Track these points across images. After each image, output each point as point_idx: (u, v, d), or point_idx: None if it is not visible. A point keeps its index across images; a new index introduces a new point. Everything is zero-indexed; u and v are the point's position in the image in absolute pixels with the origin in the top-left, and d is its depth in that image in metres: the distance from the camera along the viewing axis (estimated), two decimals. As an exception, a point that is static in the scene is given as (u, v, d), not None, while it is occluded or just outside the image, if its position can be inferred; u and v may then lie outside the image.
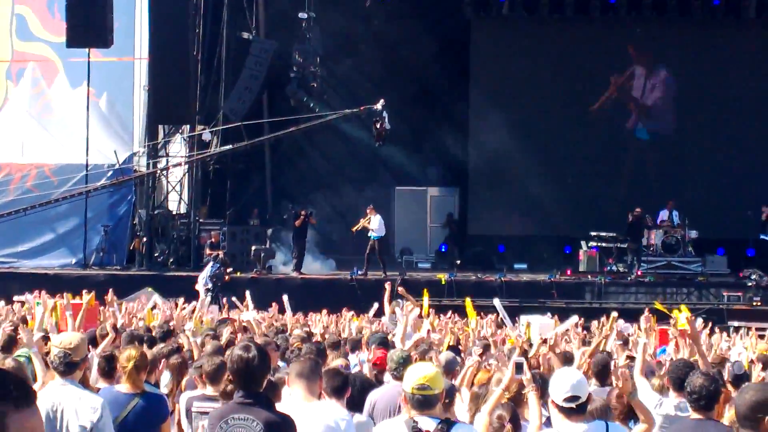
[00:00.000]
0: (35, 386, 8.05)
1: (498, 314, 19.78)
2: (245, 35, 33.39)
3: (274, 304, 20.67)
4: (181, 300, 19.84)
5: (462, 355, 11.67)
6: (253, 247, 32.06)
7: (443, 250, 36.09)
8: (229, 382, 7.26)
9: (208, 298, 23.49)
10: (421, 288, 25.84)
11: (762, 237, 33.36)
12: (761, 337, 22.47)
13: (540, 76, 36.70)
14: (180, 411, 9.34)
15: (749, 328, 25.03)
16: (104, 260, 31.88)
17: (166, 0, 31.92)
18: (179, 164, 33.78)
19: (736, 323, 28.13)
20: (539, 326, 16.42)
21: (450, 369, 9.79)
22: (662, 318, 20.21)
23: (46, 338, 9.92)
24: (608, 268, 32.83)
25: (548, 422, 7.51)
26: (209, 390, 8.90)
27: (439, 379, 6.66)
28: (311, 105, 32.96)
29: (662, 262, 32.51)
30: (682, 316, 10.64)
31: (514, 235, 35.59)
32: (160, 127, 33.53)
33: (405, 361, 9.11)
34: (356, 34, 34.92)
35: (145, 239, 32.03)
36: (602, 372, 10.44)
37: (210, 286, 28.26)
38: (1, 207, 31.83)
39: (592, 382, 10.07)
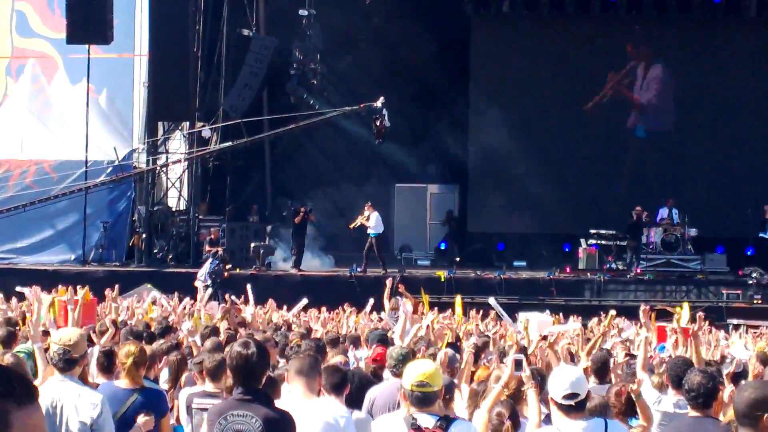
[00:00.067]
0: (36, 382, 8.06)
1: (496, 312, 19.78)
2: (245, 32, 33.39)
3: (271, 299, 20.70)
4: (175, 295, 19.86)
5: (461, 352, 11.66)
6: (253, 244, 32.05)
7: (443, 247, 36.09)
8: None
9: (207, 294, 23.45)
10: (420, 285, 25.90)
11: (761, 235, 33.36)
12: (759, 335, 22.52)
13: (540, 74, 36.68)
14: (179, 407, 9.35)
15: (748, 327, 25.11)
16: (103, 256, 31.87)
17: (166, -4, 31.97)
18: (179, 161, 33.77)
19: (735, 321, 28.18)
20: (537, 323, 16.44)
21: (449, 366, 9.78)
22: (661, 315, 20.19)
23: (46, 333, 9.91)
24: (607, 265, 32.83)
25: (547, 419, 7.52)
26: (209, 386, 8.90)
27: (439, 376, 6.67)
28: (311, 102, 32.96)
29: (661, 259, 32.52)
30: (684, 313, 10.64)
31: (514, 232, 35.59)
32: (160, 123, 33.55)
33: (404, 358, 9.12)
34: (356, 31, 34.94)
35: (144, 236, 32.03)
36: (601, 369, 10.45)
37: (209, 282, 28.24)
38: (1, 203, 31.81)
39: (591, 379, 10.08)
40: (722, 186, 35.64)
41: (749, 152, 36.09)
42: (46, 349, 7.90)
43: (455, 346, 12.21)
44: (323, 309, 21.62)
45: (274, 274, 30.98)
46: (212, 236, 32.04)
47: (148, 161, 33.20)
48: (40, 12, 35.78)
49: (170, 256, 31.96)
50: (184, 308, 17.87)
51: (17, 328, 11.92)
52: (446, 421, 6.49)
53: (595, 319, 22.21)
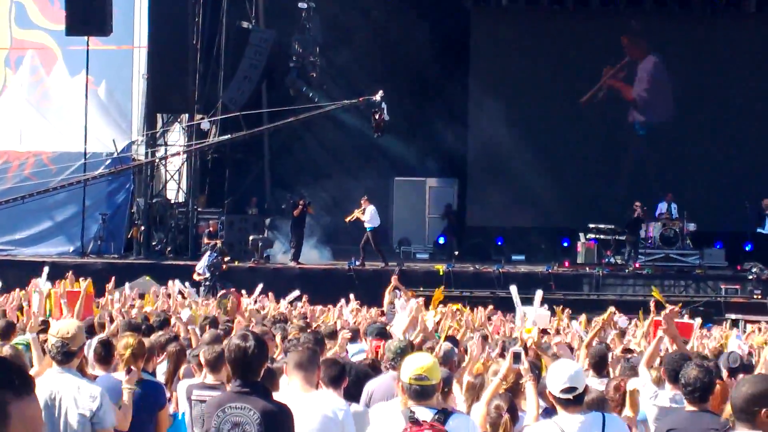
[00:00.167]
0: (32, 372, 8.06)
1: (488, 307, 19.83)
2: (245, 25, 33.36)
3: (270, 293, 20.72)
4: (170, 283, 19.88)
5: (459, 345, 11.67)
6: (251, 237, 32.04)
7: (441, 241, 36.07)
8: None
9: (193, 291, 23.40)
10: (420, 278, 25.95)
11: (759, 230, 33.38)
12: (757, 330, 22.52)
13: (540, 68, 36.66)
14: (177, 399, 9.35)
15: (747, 322, 25.12)
16: (102, 248, 31.85)
17: (165, -11, 31.94)
18: (178, 153, 33.77)
19: (733, 316, 28.19)
20: (534, 317, 16.47)
21: (447, 359, 9.79)
22: (660, 308, 20.19)
23: (45, 322, 9.92)
24: (606, 260, 32.84)
25: (546, 412, 7.53)
26: (209, 378, 8.91)
27: (437, 369, 6.68)
28: (310, 95, 32.95)
29: (660, 254, 32.53)
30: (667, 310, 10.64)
31: (513, 226, 35.58)
32: (159, 115, 33.53)
33: (402, 352, 9.12)
34: (356, 24, 34.90)
35: (143, 228, 32.03)
36: (599, 363, 10.45)
37: (208, 275, 28.29)
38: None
39: (590, 373, 10.09)
40: (721, 181, 35.64)
41: (748, 147, 36.09)
42: (45, 341, 7.90)
43: (453, 339, 12.20)
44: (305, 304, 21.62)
45: (273, 267, 30.98)
46: (211, 229, 32.04)
47: (147, 153, 33.19)
48: (40, 3, 35.74)
49: (169, 249, 31.96)
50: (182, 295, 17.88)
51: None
52: (444, 414, 6.50)
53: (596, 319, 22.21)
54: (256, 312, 15.93)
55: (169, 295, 18.13)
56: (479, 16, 37.38)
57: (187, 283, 21.86)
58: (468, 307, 21.79)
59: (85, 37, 31.64)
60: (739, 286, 30.98)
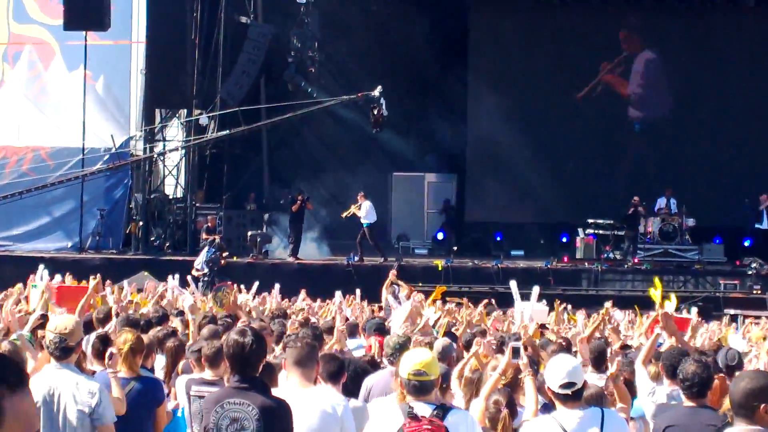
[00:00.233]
0: (30, 369, 8.05)
1: (482, 301, 19.82)
2: (243, 20, 33.31)
3: (273, 290, 20.73)
4: (170, 278, 19.84)
5: (458, 341, 11.67)
6: (250, 232, 32.02)
7: (440, 236, 36.05)
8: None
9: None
10: (418, 274, 25.95)
11: (757, 226, 33.38)
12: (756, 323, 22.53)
13: (539, 63, 36.64)
14: (177, 393, 9.34)
15: (746, 317, 25.10)
16: (100, 244, 31.83)
17: (164, -17, 31.91)
18: (176, 148, 33.75)
19: (732, 311, 28.19)
20: (532, 312, 16.49)
21: (446, 355, 9.79)
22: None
23: (44, 316, 9.90)
24: (605, 255, 32.83)
25: (544, 407, 7.53)
26: (207, 374, 8.90)
27: (435, 365, 6.67)
28: (308, 90, 32.93)
29: (659, 249, 32.54)
30: (668, 305, 10.61)
31: (511, 222, 35.58)
32: (157, 111, 33.50)
33: (401, 347, 9.12)
34: (354, 19, 34.86)
35: (141, 223, 32.02)
36: (598, 359, 10.44)
37: (206, 270, 28.27)
38: (-2, 190, 31.81)
39: (588, 369, 10.08)
40: (720, 176, 35.63)
41: (748, 142, 36.07)
42: (43, 337, 7.89)
43: (452, 335, 12.21)
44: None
45: (271, 263, 30.98)
46: (209, 224, 32.02)
47: (145, 149, 33.18)
48: (38, -2, 35.72)
49: (167, 244, 31.95)
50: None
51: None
52: (443, 409, 6.49)
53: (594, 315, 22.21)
54: (257, 308, 15.95)
55: (162, 296, 18.06)
56: (478, 12, 37.33)
57: (189, 278, 21.78)
58: (468, 301, 21.78)
59: (83, 32, 31.61)
60: (739, 282, 30.99)
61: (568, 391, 6.73)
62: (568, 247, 34.06)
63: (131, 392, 8.33)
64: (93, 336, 9.24)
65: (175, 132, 34.72)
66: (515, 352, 7.77)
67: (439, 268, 30.42)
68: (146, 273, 26.80)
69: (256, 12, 33.93)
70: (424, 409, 6.42)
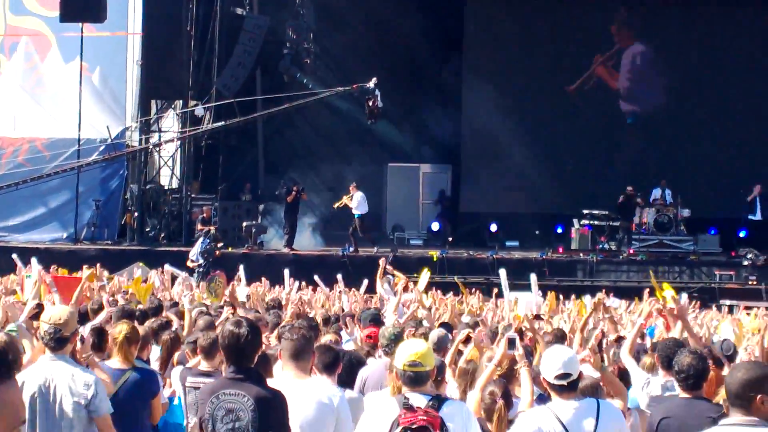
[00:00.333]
0: (25, 360, 8.04)
1: (475, 292, 19.85)
2: (239, 11, 33.25)
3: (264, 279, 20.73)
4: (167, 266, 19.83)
5: (454, 331, 11.67)
6: (245, 223, 32.02)
7: (435, 227, 36.02)
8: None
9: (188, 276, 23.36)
10: (414, 265, 25.91)
11: (750, 217, 33.40)
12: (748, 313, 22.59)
13: (534, 55, 36.64)
14: (172, 385, 9.35)
15: (742, 308, 25.12)
16: (95, 235, 31.85)
17: (159, -25, 31.86)
18: (172, 140, 33.72)
19: (728, 302, 28.23)
20: (526, 302, 16.50)
21: (441, 346, 9.79)
22: (652, 294, 20.22)
23: (39, 306, 9.87)
24: (600, 246, 32.85)
25: (540, 398, 7.53)
26: (203, 365, 8.89)
27: (431, 356, 6.66)
28: (304, 81, 32.90)
29: (654, 240, 32.56)
30: (667, 294, 10.62)
31: (507, 212, 35.54)
32: (153, 102, 33.49)
33: (396, 338, 9.12)
34: (350, 10, 34.79)
35: (136, 214, 32.01)
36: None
37: (201, 261, 28.25)
38: (-7, 181, 31.79)
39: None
40: (715, 167, 35.66)
41: (742, 133, 36.07)
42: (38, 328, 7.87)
43: (447, 326, 12.20)
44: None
45: (266, 253, 30.98)
46: (204, 215, 32.00)
47: (140, 140, 33.14)
48: (33, -10, 35.67)
49: (162, 235, 31.96)
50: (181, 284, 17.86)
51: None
52: (438, 400, 6.48)
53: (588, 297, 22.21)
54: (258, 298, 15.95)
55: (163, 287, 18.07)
56: (473, 3, 37.31)
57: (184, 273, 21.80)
58: (467, 289, 21.83)
59: (80, 24, 31.58)
60: (734, 272, 31.02)
61: (564, 382, 6.73)
62: (563, 238, 34.06)
63: (126, 383, 8.33)
64: (88, 327, 9.24)
65: (170, 123, 34.68)
66: (511, 343, 7.77)
67: (435, 259, 30.42)
68: (141, 264, 26.78)
69: (252, 3, 33.85)
70: (419, 400, 6.42)
